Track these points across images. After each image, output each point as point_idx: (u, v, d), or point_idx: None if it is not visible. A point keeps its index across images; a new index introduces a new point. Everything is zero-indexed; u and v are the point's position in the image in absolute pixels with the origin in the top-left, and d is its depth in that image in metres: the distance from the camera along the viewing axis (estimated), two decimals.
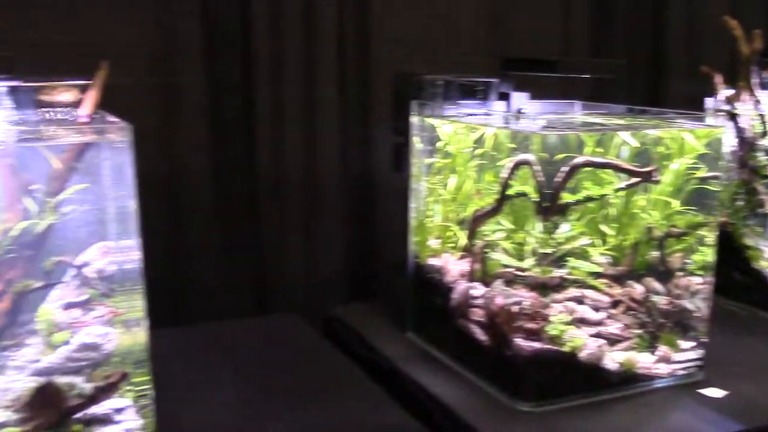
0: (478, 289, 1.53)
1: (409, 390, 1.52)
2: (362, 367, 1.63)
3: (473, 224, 1.56)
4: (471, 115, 1.64)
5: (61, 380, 1.21)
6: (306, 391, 1.51)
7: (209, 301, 2.10)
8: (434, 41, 2.23)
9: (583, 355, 1.42)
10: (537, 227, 1.39)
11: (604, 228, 1.55)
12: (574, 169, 1.40)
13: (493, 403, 1.43)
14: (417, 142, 1.68)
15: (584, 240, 1.51)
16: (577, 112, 1.74)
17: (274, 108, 2.07)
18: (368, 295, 2.22)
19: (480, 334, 1.50)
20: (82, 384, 1.21)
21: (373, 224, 2.24)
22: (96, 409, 1.22)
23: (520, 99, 1.62)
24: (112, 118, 1.30)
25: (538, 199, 1.37)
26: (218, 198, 2.09)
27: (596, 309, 1.50)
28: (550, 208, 1.38)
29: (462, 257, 1.61)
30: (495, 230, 1.55)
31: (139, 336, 1.26)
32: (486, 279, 1.52)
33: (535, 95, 1.68)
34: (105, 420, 1.23)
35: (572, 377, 1.43)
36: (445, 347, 1.62)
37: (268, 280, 2.17)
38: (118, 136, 1.20)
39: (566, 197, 1.42)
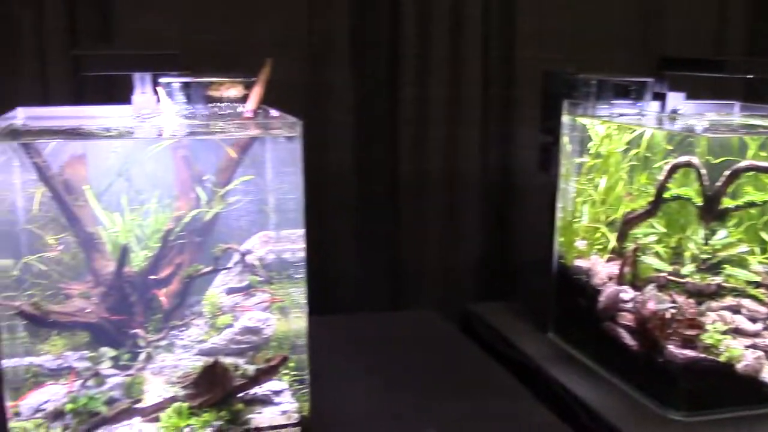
0: (627, 293, 1.51)
1: (552, 390, 1.51)
2: (501, 362, 1.64)
3: (624, 227, 1.53)
4: (624, 115, 1.61)
5: (225, 361, 1.27)
6: (449, 385, 1.53)
7: (347, 294, 2.15)
8: (582, 39, 2.20)
9: (740, 366, 1.37)
10: (699, 232, 1.35)
11: (764, 235, 1.49)
12: (737, 173, 1.35)
13: (641, 410, 1.41)
14: (566, 142, 1.66)
15: (743, 247, 1.46)
16: (737, 114, 1.68)
17: (418, 107, 2.11)
18: (503, 293, 2.22)
19: (628, 339, 1.48)
20: (245, 365, 1.27)
21: (511, 223, 2.23)
22: (257, 390, 1.28)
23: (676, 99, 1.58)
24: (278, 113, 1.36)
25: (702, 203, 1.33)
26: (360, 193, 2.14)
27: (753, 320, 1.45)
28: (711, 213, 1.34)
29: (611, 260, 1.58)
30: (647, 233, 1.51)
31: (298, 323, 1.31)
32: (637, 283, 1.49)
33: (688, 95, 1.63)
34: (264, 401, 1.29)
35: (727, 388, 1.38)
36: (589, 350, 1.60)
37: (405, 275, 2.21)
38: (289, 130, 1.25)
39: (726, 202, 1.37)
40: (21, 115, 1.33)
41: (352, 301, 2.14)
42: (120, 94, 1.83)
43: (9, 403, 1.18)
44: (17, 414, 1.19)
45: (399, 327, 1.88)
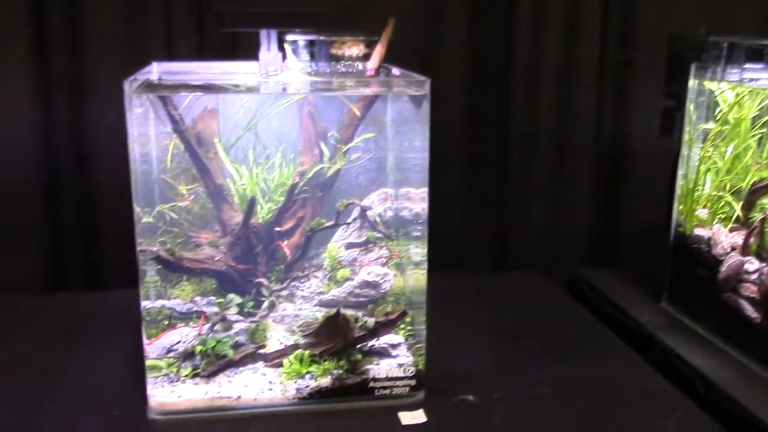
0: (753, 264, 1.46)
1: (666, 359, 1.49)
2: (610, 328, 1.63)
3: (751, 196, 1.48)
4: (756, 80, 1.54)
5: (346, 312, 1.31)
6: (559, 348, 1.53)
7: (453, 253, 2.17)
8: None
9: None
10: None
11: None
12: None
13: (762, 383, 1.37)
14: (692, 108, 1.61)
15: None
16: None
17: (531, 68, 2.08)
18: (611, 257, 2.20)
19: (751, 311, 1.44)
20: (365, 318, 1.30)
21: (623, 188, 2.19)
22: (375, 342, 1.32)
23: None
24: (400, 71, 1.37)
25: None
26: (469, 153, 2.14)
27: None
28: None
29: (734, 230, 1.54)
30: None
31: (416, 280, 1.34)
32: (763, 254, 1.44)
33: None
34: (382, 353, 1.32)
35: None
36: (706, 320, 1.57)
37: (512, 236, 2.20)
38: (416, 89, 1.26)
39: None
40: (155, 70, 1.39)
41: (457, 261, 2.16)
42: (242, 51, 1.90)
43: (146, 342, 1.25)
44: (153, 353, 1.26)
45: (506, 287, 1.89)
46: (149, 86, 1.24)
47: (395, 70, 1.39)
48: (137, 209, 1.23)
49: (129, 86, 1.16)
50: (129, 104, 1.18)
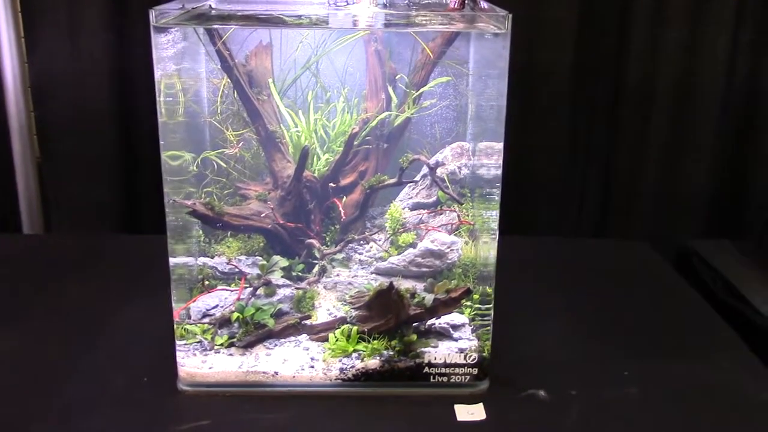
0: None
1: None
2: (723, 316, 1.39)
3: None
4: None
5: (403, 284, 1.15)
6: (658, 337, 1.31)
7: (546, 214, 1.96)
8: None
9: None
10: None
11: None
12: None
13: None
14: None
15: None
16: None
17: (654, 3, 1.79)
18: (732, 229, 1.92)
19: None
20: (423, 294, 1.13)
21: (754, 146, 1.89)
22: (434, 322, 1.15)
23: None
24: (487, 5, 1.15)
25: None
26: (575, 100, 1.89)
27: None
28: None
29: None
30: None
31: (486, 250, 1.15)
32: None
33: None
34: (441, 334, 1.15)
35: None
36: None
37: (617, 198, 1.96)
38: (495, 25, 1.05)
39: None
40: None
41: (550, 223, 1.94)
42: None
43: (179, 305, 1.13)
44: (188, 316, 1.14)
45: (604, 258, 1.66)
46: (197, 17, 1.08)
47: (483, 3, 1.18)
48: (164, 156, 1.08)
49: (155, 16, 1.00)
50: (154, 40, 1.02)
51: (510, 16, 1.02)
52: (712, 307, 1.42)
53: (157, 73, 1.05)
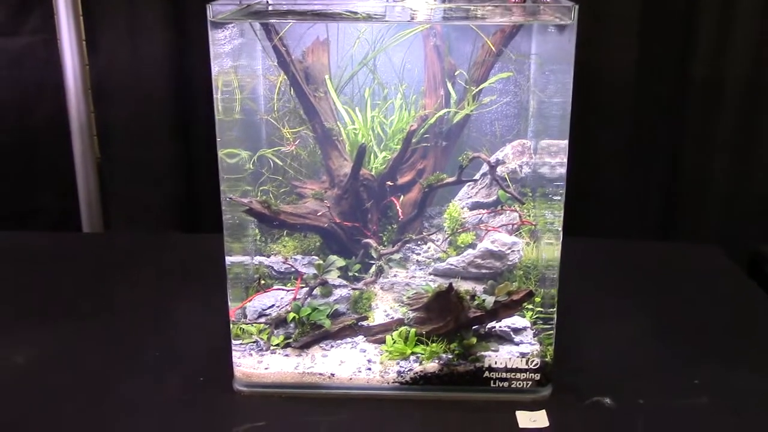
0: None
1: None
2: None
3: None
4: None
5: (462, 285, 1.11)
6: (729, 347, 1.25)
7: (609, 216, 1.89)
8: None
9: None
10: None
11: None
12: None
13: None
14: None
15: None
16: None
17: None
18: None
19: None
20: (484, 296, 1.09)
21: None
22: (494, 325, 1.11)
23: None
24: None
25: None
26: (639, 97, 1.83)
27: None
28: None
29: None
30: None
31: (549, 251, 1.10)
32: None
33: None
34: (502, 338, 1.11)
35: None
36: None
37: (683, 200, 1.89)
38: (560, 17, 1.01)
39: None
40: None
41: (614, 225, 1.88)
42: None
43: (235, 304, 1.11)
44: (242, 316, 1.12)
45: (672, 261, 1.60)
46: (254, 13, 1.07)
47: None
48: (221, 154, 1.07)
49: (212, 12, 0.99)
50: (213, 33, 1.01)
51: (576, 7, 0.98)
52: None
53: (214, 70, 1.04)
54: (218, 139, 1.06)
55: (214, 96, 1.05)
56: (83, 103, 1.92)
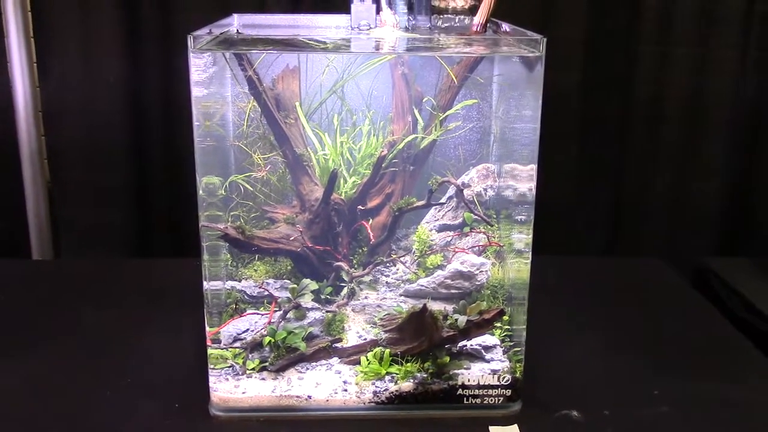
0: None
1: None
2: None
3: None
4: None
5: (432, 306, 1.14)
6: (683, 356, 1.31)
7: (559, 232, 1.96)
8: None
9: None
10: None
11: None
12: None
13: None
14: None
15: None
16: None
17: (661, 21, 1.83)
18: (745, 248, 1.93)
19: None
20: (456, 315, 1.13)
21: (763, 168, 1.91)
22: (465, 343, 1.15)
23: None
24: (510, 28, 1.16)
25: None
26: (585, 117, 1.91)
27: None
28: None
29: None
30: None
31: (517, 272, 1.15)
32: None
33: None
34: (473, 356, 1.15)
35: None
36: None
37: (628, 216, 1.97)
38: (530, 49, 1.05)
39: None
40: (236, 23, 1.24)
41: (563, 242, 1.95)
42: (338, 3, 1.73)
43: (210, 329, 1.12)
44: (217, 341, 1.13)
45: (620, 276, 1.67)
46: (224, 41, 1.09)
47: (505, 26, 1.19)
48: (199, 180, 1.08)
49: (192, 42, 1.01)
50: (192, 63, 1.03)
51: (545, 39, 1.03)
52: (734, 326, 1.43)
53: (194, 97, 1.05)
54: (198, 166, 1.07)
55: (194, 123, 1.06)
56: (33, 127, 1.89)
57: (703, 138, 1.90)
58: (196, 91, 1.05)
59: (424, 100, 1.23)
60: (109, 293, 1.54)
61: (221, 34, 1.09)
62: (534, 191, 1.12)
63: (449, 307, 1.17)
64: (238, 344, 1.14)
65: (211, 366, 1.12)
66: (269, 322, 1.14)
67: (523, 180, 1.13)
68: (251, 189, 1.22)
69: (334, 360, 1.15)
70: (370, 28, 1.17)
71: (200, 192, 1.08)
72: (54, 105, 1.88)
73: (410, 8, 1.23)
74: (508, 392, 1.13)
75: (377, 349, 1.14)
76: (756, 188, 1.93)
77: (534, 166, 1.11)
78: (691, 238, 1.97)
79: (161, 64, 1.84)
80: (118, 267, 1.74)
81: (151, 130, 1.90)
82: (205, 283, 1.11)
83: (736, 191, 1.94)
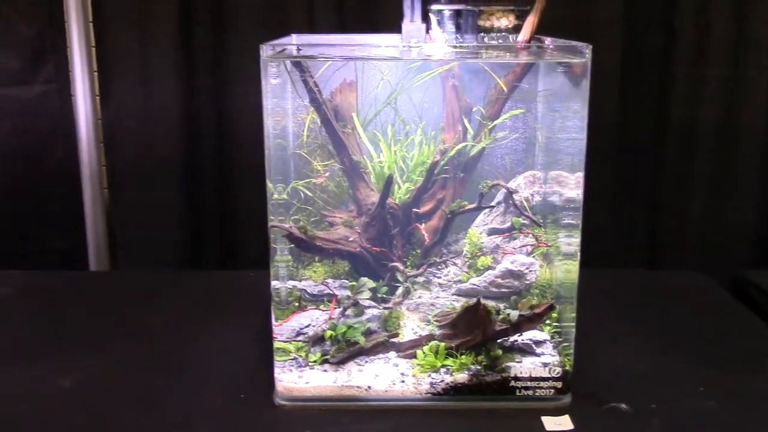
0: None
1: None
2: None
3: None
4: None
5: (487, 303, 1.20)
6: (727, 357, 1.35)
7: (596, 247, 2.00)
8: None
9: None
10: None
11: None
12: None
13: None
14: None
15: None
16: None
17: (697, 43, 1.89)
18: None
19: None
20: (508, 310, 1.19)
21: None
22: (517, 338, 1.20)
23: None
24: (552, 42, 1.24)
25: None
26: (621, 137, 1.97)
27: None
28: None
29: None
30: None
31: (565, 271, 1.21)
32: None
33: None
34: (524, 350, 1.21)
35: None
36: None
37: (665, 232, 2.02)
38: (577, 56, 1.13)
39: None
40: (294, 41, 1.33)
41: (601, 258, 1.99)
42: (384, 26, 1.83)
43: (275, 324, 1.19)
44: (281, 335, 1.20)
45: (662, 287, 1.72)
46: (287, 55, 1.17)
47: (548, 41, 1.26)
48: (269, 185, 1.16)
49: (265, 52, 1.09)
50: (265, 72, 1.11)
51: (590, 47, 1.10)
52: None
53: (266, 108, 1.13)
54: (267, 172, 1.15)
55: (266, 132, 1.14)
56: (95, 157, 1.99)
57: (737, 160, 1.94)
58: (266, 103, 1.13)
59: (473, 110, 1.30)
60: (170, 300, 1.62)
61: (284, 49, 1.18)
62: (581, 196, 1.18)
63: (501, 305, 1.23)
64: (301, 338, 1.20)
65: (276, 358, 1.19)
66: (330, 318, 1.21)
67: (569, 186, 1.19)
68: (311, 194, 1.29)
69: (392, 354, 1.21)
70: (420, 45, 1.25)
71: (274, 195, 1.16)
72: (114, 131, 1.98)
73: (458, 28, 1.31)
74: (559, 384, 1.18)
75: (433, 343, 1.20)
76: None
77: (581, 174, 1.18)
78: (725, 257, 2.00)
79: (213, 87, 1.95)
80: (176, 277, 1.82)
81: (204, 152, 1.99)
82: (274, 281, 1.18)
83: None
